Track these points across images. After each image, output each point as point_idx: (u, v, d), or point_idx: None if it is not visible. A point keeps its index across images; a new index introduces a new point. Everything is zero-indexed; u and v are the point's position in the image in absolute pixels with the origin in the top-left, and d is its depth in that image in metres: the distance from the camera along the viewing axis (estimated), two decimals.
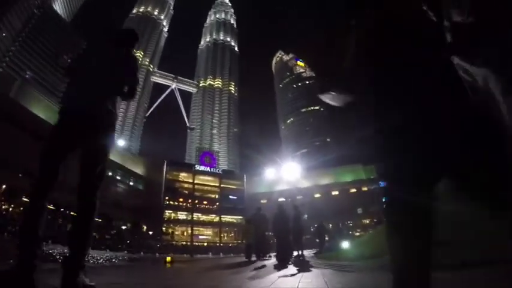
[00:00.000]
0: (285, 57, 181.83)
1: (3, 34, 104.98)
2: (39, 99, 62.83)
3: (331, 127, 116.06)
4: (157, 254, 41.94)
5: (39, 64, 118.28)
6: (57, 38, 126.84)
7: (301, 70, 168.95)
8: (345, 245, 17.06)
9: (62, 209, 49.31)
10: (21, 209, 44.54)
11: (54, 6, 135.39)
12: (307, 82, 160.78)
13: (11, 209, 42.16)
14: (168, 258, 8.55)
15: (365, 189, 74.95)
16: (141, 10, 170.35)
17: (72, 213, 52.09)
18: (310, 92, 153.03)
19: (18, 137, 47.52)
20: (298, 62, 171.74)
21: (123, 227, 63.99)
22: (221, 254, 52.59)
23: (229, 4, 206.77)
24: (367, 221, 68.34)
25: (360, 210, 72.67)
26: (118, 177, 72.67)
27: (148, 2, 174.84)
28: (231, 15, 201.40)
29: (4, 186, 44.74)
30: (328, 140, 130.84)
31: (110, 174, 69.60)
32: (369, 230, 46.67)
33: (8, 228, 29.78)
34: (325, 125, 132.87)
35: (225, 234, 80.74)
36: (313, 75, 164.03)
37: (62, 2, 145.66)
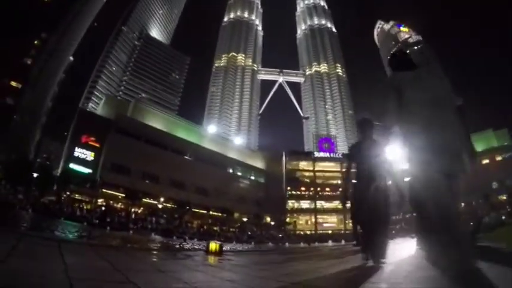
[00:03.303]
0: (386, 26, 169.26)
1: (113, 68, 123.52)
2: (153, 113, 71.26)
3: None
4: (279, 244, 42.75)
5: (150, 85, 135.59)
6: (161, 59, 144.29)
7: (407, 36, 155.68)
8: None
9: (187, 207, 55.50)
10: (141, 209, 52.37)
11: (151, 33, 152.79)
12: (416, 47, 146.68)
13: (132, 209, 47.95)
14: (213, 246, 7.71)
15: (499, 158, 65.02)
16: (231, 17, 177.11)
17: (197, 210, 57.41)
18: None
19: (136, 146, 56.47)
20: (402, 28, 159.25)
21: (245, 219, 67.18)
22: (343, 241, 48.95)
23: None
24: (504, 198, 54.45)
25: (495, 185, 60.87)
26: (239, 173, 77.01)
27: (236, 7, 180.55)
28: None
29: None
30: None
31: (231, 171, 74.51)
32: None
33: (130, 226, 34.27)
34: None
35: (350, 221, 77.99)
36: (421, 38, 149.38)
37: (158, 28, 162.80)
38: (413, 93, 3.28)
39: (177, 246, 12.12)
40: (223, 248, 7.84)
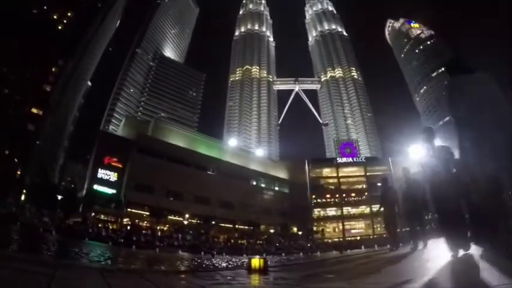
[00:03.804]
0: (397, 24, 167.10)
1: (131, 90, 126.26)
2: (173, 131, 71.63)
3: None
4: (309, 254, 41.37)
5: (168, 104, 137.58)
6: (177, 78, 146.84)
7: (418, 31, 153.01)
8: None
9: (213, 222, 54.91)
10: (167, 226, 51.92)
11: (165, 53, 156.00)
12: (429, 42, 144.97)
13: (158, 227, 47.71)
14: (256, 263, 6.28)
15: None
16: (242, 30, 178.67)
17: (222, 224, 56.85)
18: (435, 52, 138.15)
19: (158, 164, 56.42)
20: (412, 24, 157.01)
21: (272, 231, 66.20)
22: (376, 246, 49.07)
23: None
24: None
25: None
26: (263, 185, 76.13)
27: (245, 20, 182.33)
28: (327, 3, 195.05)
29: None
30: None
31: (254, 183, 73.66)
32: None
33: (156, 243, 33.53)
34: None
35: (378, 225, 75.82)
36: (433, 32, 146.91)
37: (171, 47, 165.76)
38: None
39: (212, 265, 11.03)
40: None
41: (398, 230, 11.08)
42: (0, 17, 53.19)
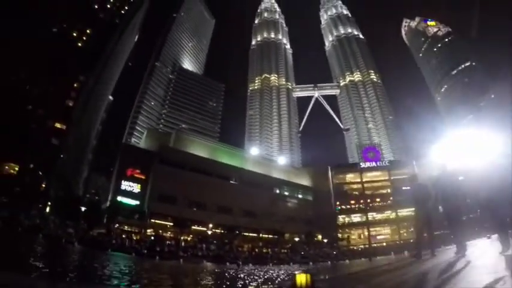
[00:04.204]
0: (413, 23, 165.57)
1: (152, 103, 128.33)
2: (195, 142, 71.67)
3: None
4: (335, 262, 39.94)
5: (189, 115, 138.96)
6: (197, 89, 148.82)
7: (435, 29, 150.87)
8: None
9: (237, 232, 54.17)
10: (191, 236, 51.32)
11: (184, 65, 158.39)
12: (446, 40, 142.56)
13: (181, 237, 47.24)
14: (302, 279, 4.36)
15: None
16: (259, 39, 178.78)
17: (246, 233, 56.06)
18: (454, 48, 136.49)
19: (181, 175, 56.65)
20: (429, 23, 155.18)
21: (296, 239, 65.02)
22: (405, 252, 47.49)
23: None
24: None
25: None
26: (286, 193, 75.29)
27: (261, 29, 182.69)
28: (342, 7, 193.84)
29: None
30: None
31: (278, 191, 72.74)
32: None
33: (180, 254, 32.83)
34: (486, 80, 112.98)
35: (404, 230, 73.29)
36: (450, 29, 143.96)
37: (190, 59, 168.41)
38: None
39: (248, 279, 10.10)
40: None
41: (425, 235, 9.41)
42: (22, 36, 54.86)
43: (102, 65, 76.02)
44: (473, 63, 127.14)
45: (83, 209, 42.21)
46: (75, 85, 65.19)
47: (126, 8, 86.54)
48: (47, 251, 14.34)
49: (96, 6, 79.43)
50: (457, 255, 7.47)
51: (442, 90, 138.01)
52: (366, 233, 75.69)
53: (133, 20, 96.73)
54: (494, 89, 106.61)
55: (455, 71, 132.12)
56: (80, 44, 70.74)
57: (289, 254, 50.62)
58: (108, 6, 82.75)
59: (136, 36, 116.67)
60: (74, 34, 71.35)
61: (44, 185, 52.45)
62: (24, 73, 57.71)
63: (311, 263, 34.23)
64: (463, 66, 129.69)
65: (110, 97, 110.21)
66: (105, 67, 78.65)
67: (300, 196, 77.51)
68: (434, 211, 8.89)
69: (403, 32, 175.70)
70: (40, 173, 52.40)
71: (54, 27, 68.72)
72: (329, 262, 37.96)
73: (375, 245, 70.27)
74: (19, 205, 37.18)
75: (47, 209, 49.95)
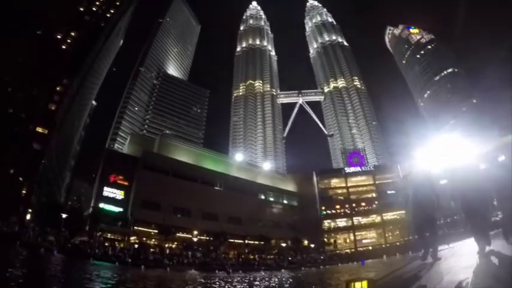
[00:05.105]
0: (396, 31, 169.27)
1: (136, 108, 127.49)
2: (179, 147, 70.86)
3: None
4: (321, 267, 40.10)
5: (173, 121, 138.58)
6: (181, 95, 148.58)
7: (418, 36, 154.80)
8: None
9: (223, 238, 53.72)
10: (175, 243, 50.62)
11: (168, 71, 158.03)
12: (429, 47, 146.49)
13: (166, 245, 46.57)
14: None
15: None
16: (244, 45, 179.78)
17: (232, 240, 55.59)
18: (437, 54, 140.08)
19: (165, 181, 55.96)
20: (411, 30, 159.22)
21: (283, 245, 64.87)
22: (397, 254, 48.91)
23: (320, 5, 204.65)
24: None
25: None
26: (271, 199, 75.28)
27: (247, 35, 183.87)
28: (326, 14, 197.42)
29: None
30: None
31: (263, 197, 72.69)
32: None
33: (165, 262, 32.32)
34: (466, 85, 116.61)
35: (390, 234, 74.35)
36: (433, 36, 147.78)
37: (174, 65, 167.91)
38: None
39: None
40: None
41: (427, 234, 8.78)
42: (4, 37, 53.42)
43: (87, 68, 74.54)
44: (456, 70, 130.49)
45: (64, 216, 40.97)
46: (58, 89, 63.49)
47: (112, 11, 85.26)
48: (24, 260, 13.76)
49: (81, 9, 78.12)
50: (421, 261, 7.15)
51: (425, 95, 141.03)
52: (352, 237, 75.94)
53: (119, 24, 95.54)
54: (476, 94, 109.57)
55: (438, 77, 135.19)
56: (64, 47, 69.17)
57: (276, 259, 50.62)
58: (94, 8, 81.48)
59: (122, 41, 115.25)
60: (59, 36, 69.81)
61: (24, 191, 50.73)
62: (5, 75, 56.11)
63: (303, 268, 34.17)
64: (445, 72, 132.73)
65: (94, 102, 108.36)
66: (89, 71, 77.18)
67: (285, 202, 77.60)
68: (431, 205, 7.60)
69: (386, 39, 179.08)
70: (20, 179, 50.72)
71: (39, 30, 67.26)
72: (321, 267, 38.15)
73: (361, 249, 70.31)
74: None
75: (28, 216, 48.40)
